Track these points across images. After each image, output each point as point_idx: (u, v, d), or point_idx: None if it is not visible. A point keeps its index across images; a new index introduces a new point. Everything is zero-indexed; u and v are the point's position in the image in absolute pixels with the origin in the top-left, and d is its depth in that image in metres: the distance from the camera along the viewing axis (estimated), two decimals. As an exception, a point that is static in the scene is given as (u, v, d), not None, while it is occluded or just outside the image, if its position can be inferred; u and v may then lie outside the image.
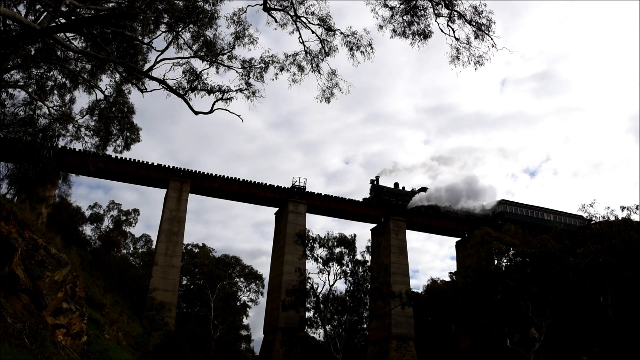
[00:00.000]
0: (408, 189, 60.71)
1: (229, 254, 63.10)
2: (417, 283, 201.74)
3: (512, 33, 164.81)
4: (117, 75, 20.28)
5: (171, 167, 47.39)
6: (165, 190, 47.61)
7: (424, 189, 60.45)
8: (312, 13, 16.70)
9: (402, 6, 15.85)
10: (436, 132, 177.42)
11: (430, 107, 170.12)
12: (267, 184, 50.70)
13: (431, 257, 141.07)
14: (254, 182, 50.31)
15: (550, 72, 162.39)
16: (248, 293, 60.57)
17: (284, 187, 51.10)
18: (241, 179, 50.05)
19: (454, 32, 15.61)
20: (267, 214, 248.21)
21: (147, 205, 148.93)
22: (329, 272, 38.87)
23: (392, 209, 55.30)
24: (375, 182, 58.02)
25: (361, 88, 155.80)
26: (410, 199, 57.89)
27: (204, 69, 18.33)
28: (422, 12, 15.86)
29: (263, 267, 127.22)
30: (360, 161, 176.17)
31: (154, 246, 52.08)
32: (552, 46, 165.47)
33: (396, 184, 60.25)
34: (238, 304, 59.35)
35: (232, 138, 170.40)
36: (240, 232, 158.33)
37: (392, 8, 15.89)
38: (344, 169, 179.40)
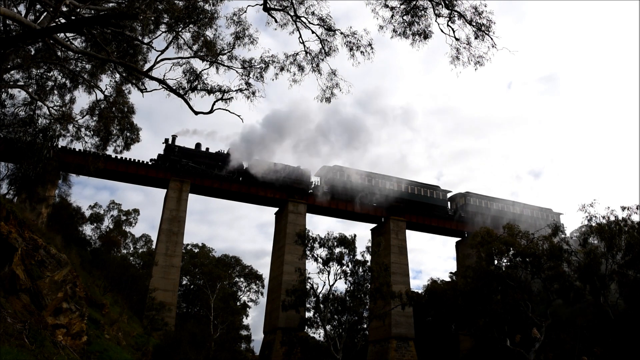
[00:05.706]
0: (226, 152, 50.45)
1: (232, 254, 63.25)
2: (420, 283, 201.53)
3: (518, 35, 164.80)
4: (117, 75, 20.35)
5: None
6: (166, 190, 47.63)
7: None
8: (312, 13, 16.70)
9: (402, 6, 15.86)
10: (442, 134, 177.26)
11: (436, 109, 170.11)
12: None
13: (434, 258, 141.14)
14: (254, 182, 50.23)
15: (554, 75, 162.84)
16: (248, 293, 60.78)
17: (284, 187, 51.00)
18: (241, 179, 49.99)
19: (454, 32, 15.64)
20: (272, 215, 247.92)
21: (152, 206, 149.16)
22: (329, 272, 38.86)
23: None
24: (169, 142, 48.24)
25: (367, 90, 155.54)
26: (215, 163, 48.94)
27: (204, 69, 18.39)
28: (423, 12, 15.88)
29: (267, 267, 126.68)
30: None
31: (154, 246, 52.10)
32: (555, 48, 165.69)
33: (198, 145, 50.00)
34: (238, 304, 59.40)
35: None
36: (244, 233, 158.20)
37: (392, 8, 15.90)
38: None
